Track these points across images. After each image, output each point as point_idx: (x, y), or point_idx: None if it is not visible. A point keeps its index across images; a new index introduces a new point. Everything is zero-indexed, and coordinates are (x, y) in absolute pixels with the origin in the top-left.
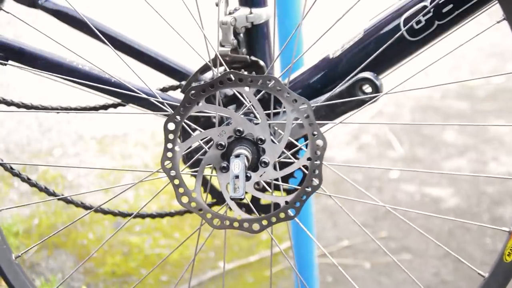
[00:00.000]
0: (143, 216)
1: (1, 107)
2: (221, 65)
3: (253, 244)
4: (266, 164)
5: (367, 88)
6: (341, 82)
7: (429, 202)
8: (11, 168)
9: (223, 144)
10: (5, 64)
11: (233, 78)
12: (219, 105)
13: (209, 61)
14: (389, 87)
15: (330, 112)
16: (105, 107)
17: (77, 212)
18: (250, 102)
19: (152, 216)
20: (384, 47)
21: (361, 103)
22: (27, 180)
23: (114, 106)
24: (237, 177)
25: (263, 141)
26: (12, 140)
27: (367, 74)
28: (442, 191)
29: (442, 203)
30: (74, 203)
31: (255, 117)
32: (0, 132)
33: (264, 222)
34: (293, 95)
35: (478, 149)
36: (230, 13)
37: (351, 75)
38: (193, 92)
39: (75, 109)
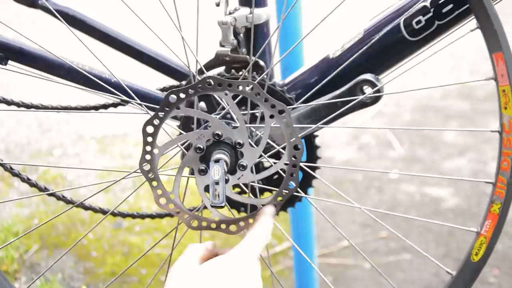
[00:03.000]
0: (143, 216)
1: (1, 106)
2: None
3: None
4: (244, 167)
5: (368, 90)
6: (341, 82)
7: (429, 202)
8: (11, 168)
9: (202, 147)
10: (5, 64)
11: (212, 83)
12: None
13: (187, 66)
14: (388, 88)
15: (331, 114)
16: (105, 106)
17: (77, 212)
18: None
19: (152, 216)
20: (384, 47)
21: (362, 105)
22: (27, 180)
23: (114, 106)
24: (217, 183)
25: (241, 145)
26: (12, 140)
27: (367, 76)
28: (442, 191)
29: (442, 203)
30: (74, 203)
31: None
32: (0, 132)
33: (242, 223)
34: (271, 101)
35: (478, 149)
36: (230, 13)
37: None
38: (172, 95)
39: (75, 108)
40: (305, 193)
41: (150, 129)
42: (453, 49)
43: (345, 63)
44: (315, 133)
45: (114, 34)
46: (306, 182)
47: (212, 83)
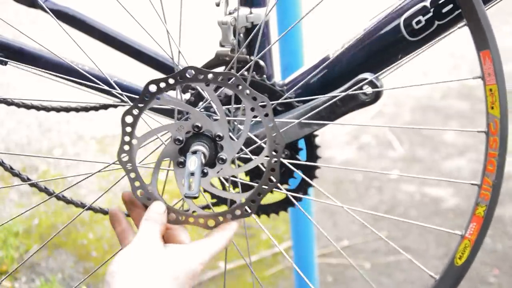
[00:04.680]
0: None
1: (1, 106)
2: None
3: (253, 244)
4: (223, 161)
5: (367, 89)
6: (341, 82)
7: (429, 202)
8: (11, 168)
9: (181, 139)
10: (5, 64)
11: (193, 73)
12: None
13: (171, 57)
14: (388, 86)
15: (331, 114)
16: (105, 107)
17: (77, 212)
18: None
19: None
20: (384, 47)
21: (361, 104)
22: (27, 180)
23: (114, 106)
24: (192, 174)
25: (221, 138)
26: (12, 140)
27: (366, 75)
28: (442, 191)
29: (442, 203)
30: (74, 203)
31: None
32: (0, 132)
33: (220, 219)
34: (252, 93)
35: (478, 149)
36: (230, 13)
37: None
38: (153, 85)
39: (75, 108)
40: (305, 193)
41: (129, 119)
42: (453, 49)
43: (345, 63)
44: (315, 133)
45: (114, 34)
46: (304, 182)
47: (193, 73)
